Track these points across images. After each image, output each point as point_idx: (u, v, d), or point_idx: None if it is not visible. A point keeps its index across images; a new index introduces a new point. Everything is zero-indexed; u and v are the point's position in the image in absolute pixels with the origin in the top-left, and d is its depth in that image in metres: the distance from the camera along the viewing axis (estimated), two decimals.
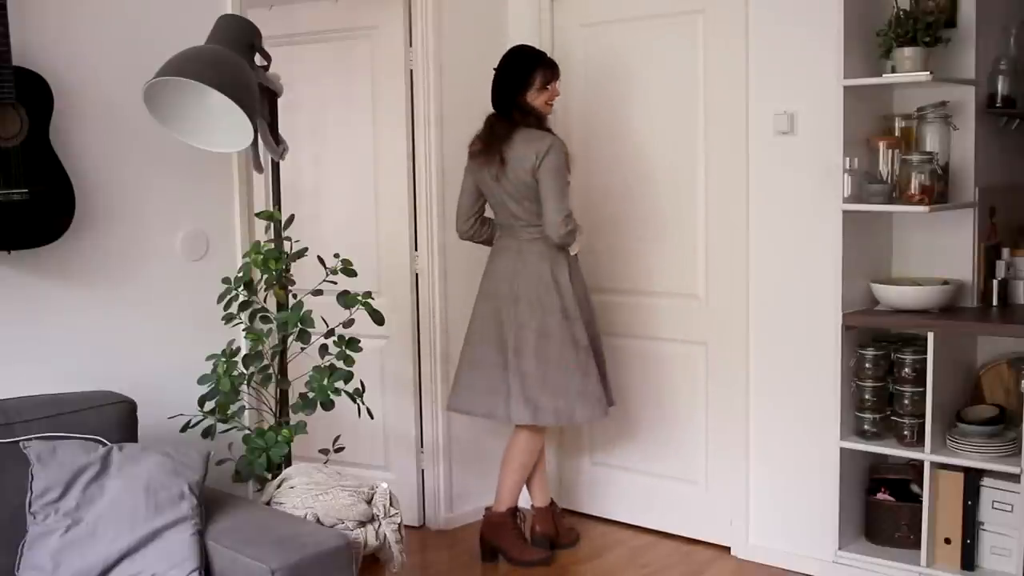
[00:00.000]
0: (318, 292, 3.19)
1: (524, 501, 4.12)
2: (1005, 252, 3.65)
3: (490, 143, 3.77)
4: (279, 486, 2.92)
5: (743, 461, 3.96)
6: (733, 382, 3.96)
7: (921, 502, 3.51)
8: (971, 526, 3.44)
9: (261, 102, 2.99)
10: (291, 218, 3.26)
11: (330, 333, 3.26)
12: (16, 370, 2.88)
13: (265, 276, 3.18)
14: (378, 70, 4.28)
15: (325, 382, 3.15)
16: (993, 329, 3.53)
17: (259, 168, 3.17)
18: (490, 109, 3.84)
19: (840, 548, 3.69)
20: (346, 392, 3.21)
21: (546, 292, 3.77)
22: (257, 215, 3.36)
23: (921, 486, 3.52)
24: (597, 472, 4.45)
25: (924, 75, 3.37)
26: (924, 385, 3.46)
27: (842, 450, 3.65)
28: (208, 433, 3.09)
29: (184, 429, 3.09)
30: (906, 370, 3.53)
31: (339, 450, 3.31)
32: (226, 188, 3.40)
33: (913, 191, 3.45)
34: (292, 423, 3.18)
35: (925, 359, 3.44)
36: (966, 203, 3.57)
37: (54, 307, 2.99)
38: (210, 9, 3.22)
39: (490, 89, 3.84)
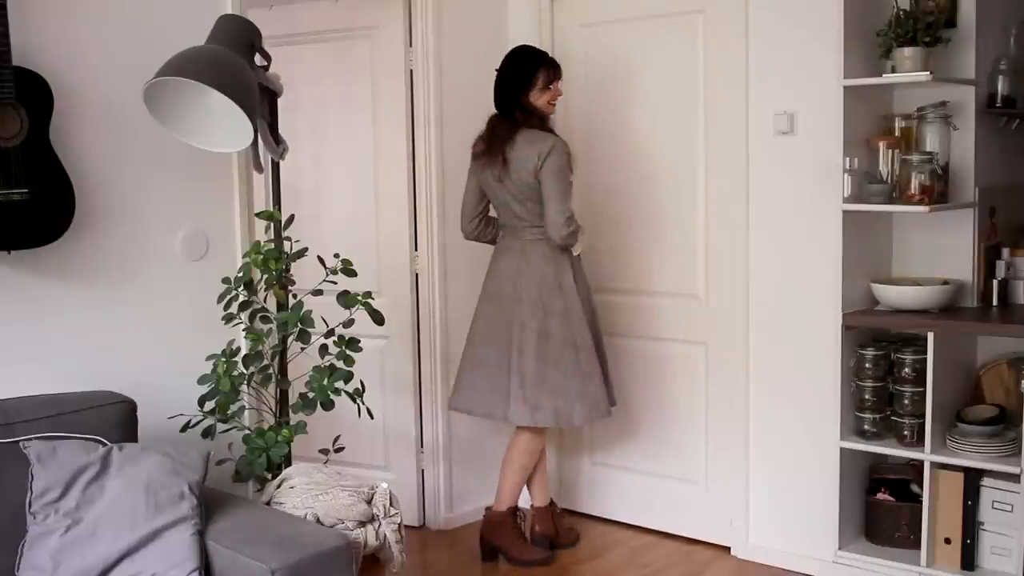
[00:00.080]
0: (318, 292, 3.19)
1: (524, 501, 4.12)
2: (1005, 252, 3.65)
3: (492, 144, 3.77)
4: (279, 486, 2.92)
5: (743, 461, 3.96)
6: (733, 382, 3.96)
7: (921, 502, 3.51)
8: (971, 526, 3.44)
9: (261, 102, 2.99)
10: (291, 218, 3.26)
11: (330, 333, 3.26)
12: (16, 370, 2.88)
13: (265, 276, 3.18)
14: (378, 70, 4.28)
15: (325, 382, 3.15)
16: (993, 329, 3.53)
17: (259, 168, 3.17)
18: (491, 109, 3.84)
19: (840, 548, 3.69)
20: (346, 392, 3.21)
21: (549, 293, 3.77)
22: (257, 215, 3.36)
23: (921, 486, 3.52)
24: (597, 472, 4.45)
25: (924, 75, 3.37)
26: (924, 385, 3.46)
27: (842, 450, 3.65)
28: (208, 433, 3.09)
29: (184, 429, 3.09)
30: (906, 370, 3.53)
31: (339, 450, 3.31)
32: (226, 188, 3.40)
33: (913, 191, 3.45)
34: (292, 423, 3.18)
35: (925, 359, 3.44)
36: (966, 203, 3.57)
37: (54, 307, 2.99)
38: (210, 9, 3.22)
39: (490, 89, 3.84)
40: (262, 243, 3.22)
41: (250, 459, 3.11)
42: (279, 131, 3.21)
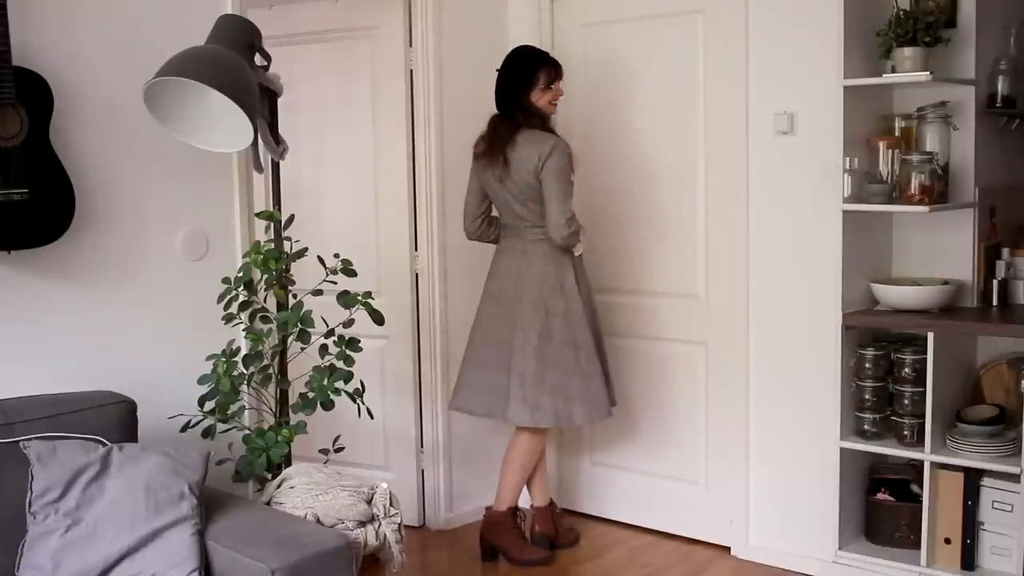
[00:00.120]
0: (318, 292, 3.19)
1: (523, 501, 4.12)
2: (1005, 252, 3.65)
3: (493, 144, 3.77)
4: (279, 486, 2.92)
5: (743, 461, 3.96)
6: (733, 382, 3.96)
7: (921, 502, 3.51)
8: (971, 526, 3.44)
9: (261, 102, 2.99)
10: (291, 218, 3.26)
11: (330, 333, 3.26)
12: (16, 370, 2.88)
13: (265, 276, 3.18)
14: (378, 70, 4.28)
15: (325, 382, 3.15)
16: (993, 329, 3.53)
17: (259, 168, 3.17)
18: (491, 109, 3.84)
19: (840, 548, 3.69)
20: (346, 392, 3.21)
21: (550, 293, 3.77)
22: (257, 215, 3.36)
23: (921, 486, 3.52)
24: (597, 472, 4.45)
25: (924, 75, 3.37)
26: (924, 385, 3.46)
27: (842, 450, 3.65)
28: (208, 433, 3.09)
29: (184, 429, 3.09)
30: (906, 370, 3.53)
31: (339, 450, 3.31)
32: (226, 188, 3.40)
33: (913, 191, 3.45)
34: (292, 423, 3.18)
35: (925, 359, 3.44)
36: (966, 203, 3.57)
37: (54, 307, 2.99)
38: (210, 9, 3.22)
39: (490, 89, 3.84)
40: (262, 243, 3.22)
41: (250, 459, 3.11)
42: (279, 131, 3.21)
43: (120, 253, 3.13)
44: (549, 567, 3.94)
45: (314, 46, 4.35)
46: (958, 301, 3.60)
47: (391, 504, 2.93)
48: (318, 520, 2.76)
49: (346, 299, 3.24)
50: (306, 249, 3.25)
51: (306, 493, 2.84)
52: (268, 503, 2.89)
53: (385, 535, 2.88)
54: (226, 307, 3.17)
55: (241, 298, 3.18)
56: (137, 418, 2.83)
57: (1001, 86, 3.57)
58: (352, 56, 4.32)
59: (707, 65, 3.97)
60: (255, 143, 3.01)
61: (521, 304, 3.78)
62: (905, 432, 3.54)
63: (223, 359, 3.10)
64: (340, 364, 3.20)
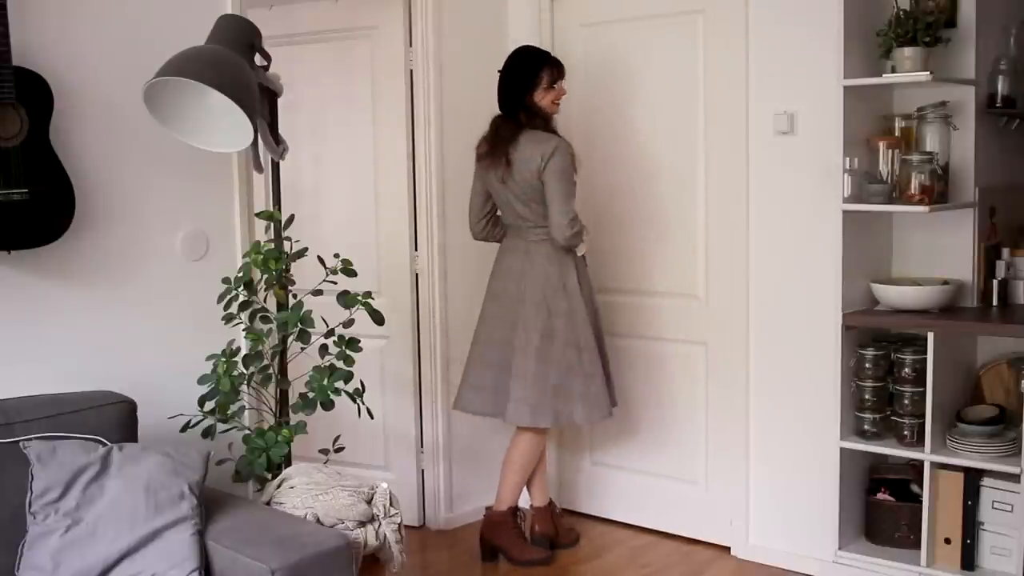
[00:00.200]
0: (318, 292, 3.19)
1: (523, 501, 4.12)
2: (1005, 252, 3.65)
3: (496, 145, 3.77)
4: (279, 486, 2.92)
5: (743, 461, 3.96)
6: (733, 382, 3.96)
7: (921, 502, 3.51)
8: (971, 526, 3.43)
9: (261, 102, 2.99)
10: (291, 218, 3.26)
11: (330, 333, 3.26)
12: (16, 370, 2.88)
13: (265, 276, 3.18)
14: (378, 70, 4.28)
15: (325, 382, 3.15)
16: (993, 329, 3.53)
17: (259, 168, 3.17)
18: (491, 109, 3.84)
19: (840, 548, 3.69)
20: (346, 392, 3.21)
21: (552, 294, 3.77)
22: (257, 215, 3.36)
23: (921, 486, 3.52)
24: (597, 472, 4.45)
25: (924, 75, 3.37)
26: (924, 385, 3.46)
27: (842, 450, 3.65)
28: (208, 433, 3.09)
29: (184, 429, 3.09)
30: (906, 370, 3.53)
31: (339, 450, 3.31)
32: (226, 188, 3.40)
33: (913, 191, 3.45)
34: (292, 423, 3.18)
35: (925, 359, 3.44)
36: (966, 203, 3.57)
37: (54, 307, 2.99)
38: (210, 9, 3.22)
39: (490, 89, 3.83)
40: (262, 243, 3.22)
41: (250, 459, 3.11)
42: (279, 131, 3.21)
43: (120, 253, 3.13)
44: (549, 567, 3.94)
45: (314, 46, 4.35)
46: (958, 301, 3.60)
47: (391, 504, 2.93)
48: (318, 520, 2.76)
49: (346, 299, 3.24)
50: (306, 249, 3.25)
51: (306, 493, 2.84)
52: (268, 503, 2.89)
53: (385, 535, 2.88)
54: (226, 307, 3.17)
55: (241, 298, 3.18)
56: (137, 418, 2.83)
57: (1001, 86, 3.57)
58: (352, 56, 4.32)
59: (707, 65, 3.97)
60: (255, 143, 3.01)
61: (523, 304, 3.78)
62: (905, 432, 3.54)
63: (223, 359, 3.10)
64: (340, 364, 3.20)
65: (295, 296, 3.20)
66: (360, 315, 3.24)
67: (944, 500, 3.48)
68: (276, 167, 3.30)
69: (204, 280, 3.28)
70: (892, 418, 3.62)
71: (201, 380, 3.12)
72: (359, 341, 3.26)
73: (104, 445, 2.62)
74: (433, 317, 4.27)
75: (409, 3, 4.19)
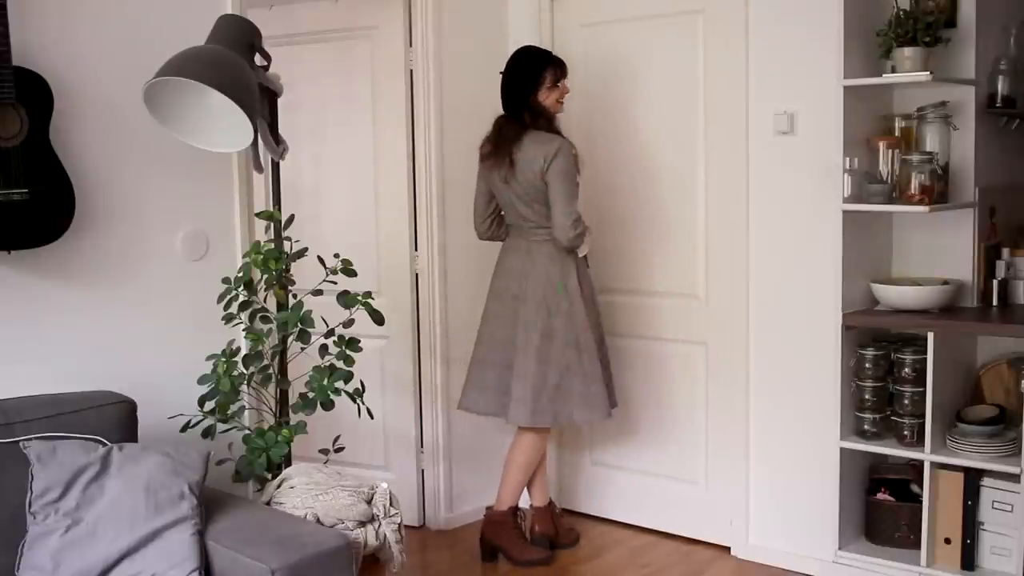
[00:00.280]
0: (318, 292, 3.19)
1: (523, 501, 4.12)
2: (1005, 252, 3.65)
3: (499, 145, 3.77)
4: (279, 486, 2.92)
5: (743, 461, 3.96)
6: (733, 382, 3.96)
7: (921, 502, 3.51)
8: (971, 526, 3.43)
9: (261, 102, 2.99)
10: (291, 218, 3.26)
11: (330, 333, 3.26)
12: (16, 370, 2.88)
13: (265, 276, 3.18)
14: (378, 70, 4.28)
15: (325, 382, 3.15)
16: (993, 329, 3.53)
17: (259, 168, 3.17)
18: (491, 109, 3.84)
19: (840, 548, 3.69)
20: (346, 392, 3.21)
21: (553, 294, 3.77)
22: (257, 215, 3.36)
23: (921, 486, 3.52)
24: (597, 472, 4.45)
25: (924, 75, 3.37)
26: (924, 385, 3.46)
27: (842, 450, 3.65)
28: (208, 433, 3.09)
29: (184, 429, 3.09)
30: (906, 370, 3.53)
31: (339, 450, 3.31)
32: (226, 188, 3.40)
33: (913, 191, 3.45)
34: (292, 423, 3.18)
35: (925, 359, 3.44)
36: (966, 203, 3.57)
37: (54, 307, 2.99)
38: (210, 9, 3.22)
39: (490, 88, 3.84)
40: (262, 243, 3.22)
41: (250, 459, 3.11)
42: (279, 131, 3.21)
43: (120, 253, 3.13)
44: (549, 567, 3.94)
45: (314, 46, 4.35)
46: (958, 301, 3.60)
47: (391, 504, 2.93)
48: (318, 520, 2.76)
49: (346, 299, 3.24)
50: (306, 249, 3.25)
51: (306, 493, 2.84)
52: (268, 503, 2.89)
53: (385, 535, 2.88)
54: (226, 307, 3.17)
55: (241, 298, 3.18)
56: (137, 418, 2.83)
57: (1001, 86, 3.57)
58: (352, 56, 4.32)
59: (707, 65, 3.97)
60: (255, 143, 3.01)
61: (525, 304, 3.78)
62: (905, 432, 3.54)
63: (223, 359, 3.10)
64: (340, 364, 3.20)
65: (295, 296, 3.20)
66: (360, 315, 3.24)
67: (944, 500, 3.48)
68: (276, 167, 3.30)
69: (204, 280, 3.28)
70: (892, 418, 3.62)
71: (201, 380, 3.12)
72: (359, 341, 3.26)
73: (104, 445, 2.62)
74: (433, 317, 4.27)
75: (409, 3, 4.19)
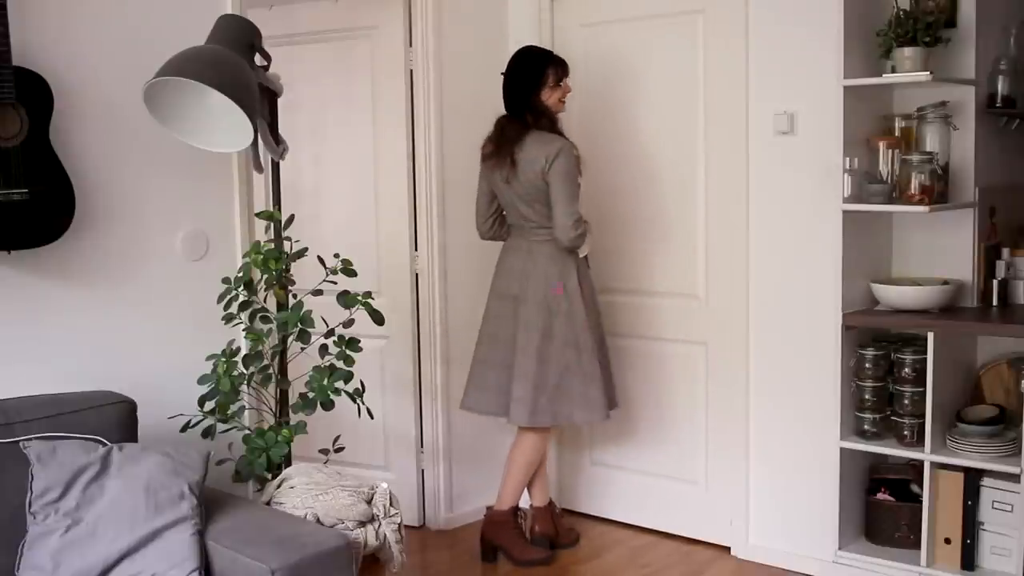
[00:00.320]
0: (318, 292, 3.19)
1: (523, 501, 4.12)
2: (1005, 252, 3.65)
3: (501, 145, 3.77)
4: (279, 486, 2.92)
5: (743, 461, 3.96)
6: (733, 382, 3.96)
7: (921, 502, 3.51)
8: (971, 526, 3.43)
9: (261, 102, 2.99)
10: (291, 218, 3.26)
11: (330, 333, 3.26)
12: (16, 370, 2.88)
13: (265, 276, 3.18)
14: (378, 70, 4.28)
15: (325, 382, 3.15)
16: (993, 329, 3.53)
17: (259, 168, 3.17)
18: (492, 108, 3.84)
19: (840, 548, 3.69)
20: (346, 392, 3.21)
21: (553, 294, 3.77)
22: (257, 215, 3.36)
23: (921, 486, 3.52)
24: (597, 472, 4.45)
25: (924, 75, 3.37)
26: (924, 385, 3.46)
27: (842, 450, 3.65)
28: (208, 433, 3.09)
29: (184, 429, 3.09)
30: (906, 370, 3.53)
31: (339, 450, 3.31)
32: (226, 188, 3.40)
33: (913, 191, 3.45)
34: (292, 423, 3.18)
35: (925, 359, 3.44)
36: (966, 203, 3.57)
37: (54, 307, 2.99)
38: (210, 9, 3.22)
39: (490, 88, 3.84)
40: (262, 243, 3.22)
41: (250, 459, 3.11)
42: (279, 131, 3.21)
43: (120, 253, 3.13)
44: (549, 567, 3.94)
45: (314, 46, 4.35)
46: (958, 301, 3.60)
47: (391, 504, 2.93)
48: (318, 520, 2.76)
49: (346, 299, 3.24)
50: (306, 249, 3.25)
51: (306, 493, 2.84)
52: (268, 503, 2.89)
53: (385, 535, 2.88)
54: (226, 307, 3.17)
55: (241, 298, 3.18)
56: (137, 418, 2.83)
57: (1001, 86, 3.57)
58: (352, 56, 4.32)
59: (707, 65, 3.97)
60: (255, 143, 3.01)
61: (525, 304, 3.78)
62: (905, 432, 3.54)
63: (223, 359, 3.11)
64: (340, 364, 3.20)
65: (295, 296, 3.20)
66: (360, 315, 3.24)
67: (944, 500, 3.48)
68: (276, 167, 3.30)
69: (204, 280, 3.28)
70: (892, 418, 3.62)
71: (201, 380, 3.12)
72: (359, 341, 3.26)
73: (104, 445, 2.62)
74: (433, 317, 4.27)
75: (409, 3, 4.19)
